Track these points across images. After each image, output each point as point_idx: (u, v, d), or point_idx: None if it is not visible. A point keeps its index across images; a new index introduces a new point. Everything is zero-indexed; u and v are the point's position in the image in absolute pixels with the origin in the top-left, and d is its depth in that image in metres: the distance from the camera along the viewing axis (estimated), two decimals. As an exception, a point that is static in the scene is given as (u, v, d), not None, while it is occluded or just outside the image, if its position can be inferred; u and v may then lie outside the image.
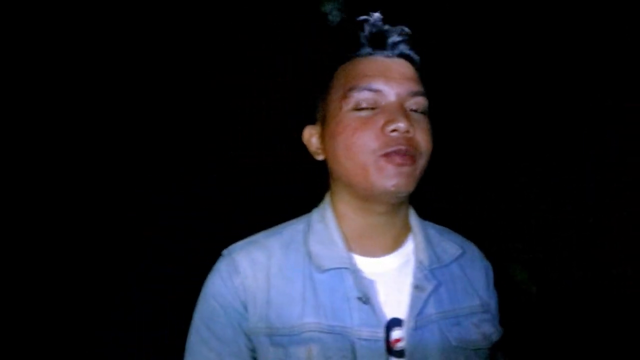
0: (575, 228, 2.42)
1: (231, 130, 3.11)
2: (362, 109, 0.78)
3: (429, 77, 0.87)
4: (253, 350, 0.78)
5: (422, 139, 0.78)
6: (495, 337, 0.84)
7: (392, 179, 0.74)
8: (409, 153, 0.75)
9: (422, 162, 0.78)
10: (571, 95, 2.45)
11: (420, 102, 0.80)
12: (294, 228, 0.86)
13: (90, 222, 2.94)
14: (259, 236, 0.86)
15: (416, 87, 0.80)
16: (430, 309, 0.79)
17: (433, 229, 0.91)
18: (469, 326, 0.81)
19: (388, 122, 0.75)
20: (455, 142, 2.66)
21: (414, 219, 0.88)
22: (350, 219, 0.83)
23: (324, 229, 0.83)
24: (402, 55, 0.83)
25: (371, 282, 0.79)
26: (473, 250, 0.94)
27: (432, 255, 0.84)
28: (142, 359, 2.18)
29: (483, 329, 0.82)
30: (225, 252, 0.84)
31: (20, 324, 2.35)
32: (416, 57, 0.84)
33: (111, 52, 3.04)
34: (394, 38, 0.82)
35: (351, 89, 0.79)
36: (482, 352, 0.81)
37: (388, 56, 0.82)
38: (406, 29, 0.83)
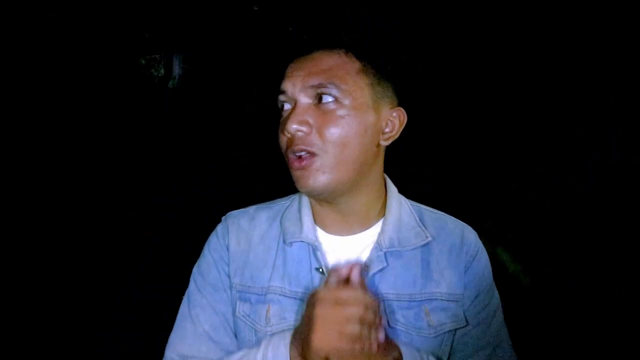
0: (571, 222, 2.42)
1: (231, 131, 3.13)
2: (282, 110, 0.85)
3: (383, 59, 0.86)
4: None
5: (324, 132, 0.78)
6: (446, 328, 0.84)
7: (298, 181, 0.81)
8: (305, 153, 0.79)
9: (328, 155, 0.79)
10: (566, 90, 2.46)
11: (323, 92, 0.80)
12: (282, 204, 0.95)
13: (91, 222, 2.96)
14: (254, 207, 0.96)
15: (318, 79, 0.80)
16: (381, 289, 0.83)
17: (414, 213, 0.92)
18: (419, 311, 0.83)
19: (283, 125, 0.81)
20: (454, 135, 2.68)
21: (391, 202, 0.90)
22: (316, 203, 0.90)
23: (297, 208, 0.91)
24: (320, 49, 0.84)
25: (325, 253, 0.86)
26: (458, 236, 0.92)
27: (394, 238, 0.85)
28: (141, 359, 2.19)
29: (434, 317, 0.83)
30: (223, 217, 0.96)
31: (20, 323, 2.35)
32: (339, 44, 0.84)
33: (112, 56, 3.06)
34: (308, 36, 0.86)
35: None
36: (427, 340, 0.82)
37: (306, 54, 0.84)
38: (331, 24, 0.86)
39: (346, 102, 0.80)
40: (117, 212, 3.04)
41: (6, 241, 2.65)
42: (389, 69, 0.86)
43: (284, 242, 0.88)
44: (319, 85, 0.79)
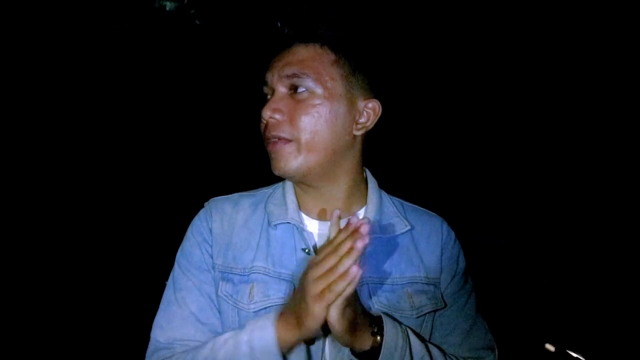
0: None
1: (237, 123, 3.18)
2: (265, 99, 0.91)
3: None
4: None
5: (297, 120, 0.85)
6: (426, 309, 0.90)
7: (272, 163, 0.89)
8: (279, 138, 0.86)
9: (300, 142, 0.86)
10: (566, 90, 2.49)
11: (297, 83, 0.86)
12: (264, 192, 1.01)
13: (96, 218, 3.09)
14: (237, 194, 1.01)
15: (292, 69, 0.86)
16: (364, 273, 0.82)
17: (395, 205, 0.99)
18: (402, 294, 0.89)
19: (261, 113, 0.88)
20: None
21: (372, 192, 0.97)
22: (299, 189, 0.96)
23: (281, 194, 0.97)
24: (298, 42, 0.90)
25: (311, 234, 0.91)
26: (435, 226, 0.99)
27: (375, 226, 0.91)
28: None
29: (416, 299, 0.90)
30: (206, 202, 1.00)
31: (26, 322, 2.46)
32: (313, 38, 0.89)
33: (125, 64, 3.12)
34: (288, 30, 0.92)
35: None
36: (409, 320, 0.88)
37: (287, 47, 0.91)
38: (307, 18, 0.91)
39: (318, 91, 0.86)
40: (121, 208, 3.17)
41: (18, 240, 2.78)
42: (362, 61, 0.90)
43: (269, 224, 0.92)
44: (293, 75, 0.86)
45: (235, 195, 1.01)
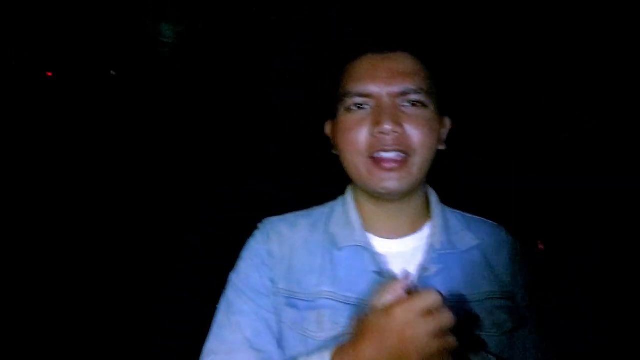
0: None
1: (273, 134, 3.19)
2: (356, 110, 0.83)
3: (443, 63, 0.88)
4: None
5: (416, 135, 0.80)
6: (508, 327, 0.83)
7: (381, 182, 0.80)
8: (398, 155, 0.79)
9: (417, 158, 0.80)
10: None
11: (413, 98, 0.81)
12: (320, 211, 0.95)
13: (134, 225, 3.10)
14: (290, 215, 0.96)
15: (409, 84, 0.81)
16: (441, 291, 0.77)
17: (457, 218, 0.93)
18: (481, 312, 0.82)
19: (374, 124, 0.79)
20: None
21: (435, 207, 0.91)
22: (365, 206, 0.90)
23: (342, 212, 0.91)
24: (397, 49, 0.84)
25: (385, 258, 0.84)
26: (500, 237, 0.93)
27: (445, 242, 0.85)
28: None
29: (496, 316, 0.82)
30: (259, 224, 0.94)
31: (26, 322, 2.45)
32: (415, 49, 0.84)
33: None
34: (385, 33, 0.89)
35: (345, 95, 0.84)
36: (491, 339, 0.80)
37: (380, 53, 0.84)
38: (403, 22, 0.87)
39: (430, 107, 0.82)
40: (160, 216, 3.14)
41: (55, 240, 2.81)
42: (444, 77, 0.88)
43: (335, 247, 0.86)
44: (410, 90, 0.80)
45: (290, 216, 0.95)
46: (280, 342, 0.84)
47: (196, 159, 3.29)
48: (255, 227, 0.96)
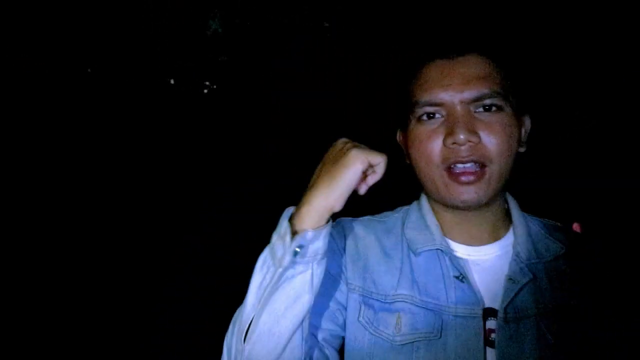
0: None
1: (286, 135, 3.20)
2: (427, 120, 0.80)
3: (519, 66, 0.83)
4: (344, 307, 0.85)
5: (493, 142, 0.75)
6: (604, 339, 0.77)
7: (459, 195, 0.77)
8: (475, 166, 0.76)
9: (495, 167, 0.76)
10: None
11: (488, 103, 0.77)
12: (395, 217, 0.93)
13: (133, 225, 3.09)
14: (365, 218, 0.94)
15: (482, 89, 0.76)
16: (529, 303, 0.76)
17: (539, 225, 0.88)
18: (574, 324, 0.77)
19: (448, 135, 0.76)
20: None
21: (516, 213, 0.86)
22: (441, 213, 0.86)
23: (419, 217, 0.88)
24: (467, 51, 0.80)
25: (467, 262, 0.81)
26: (588, 247, 0.86)
27: (531, 250, 0.81)
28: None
29: (588, 327, 0.76)
30: (334, 222, 0.89)
31: (26, 322, 2.45)
32: (487, 50, 0.80)
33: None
34: (453, 36, 0.85)
35: (415, 104, 0.80)
36: (585, 354, 0.75)
37: (450, 58, 0.80)
38: (474, 25, 0.83)
39: (507, 109, 0.78)
40: (160, 216, 3.14)
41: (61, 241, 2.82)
42: (521, 76, 0.83)
43: (412, 251, 0.84)
44: (484, 96, 0.76)
45: (364, 219, 0.94)
46: (350, 337, 0.82)
47: (196, 159, 3.30)
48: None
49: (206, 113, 3.35)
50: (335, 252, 0.87)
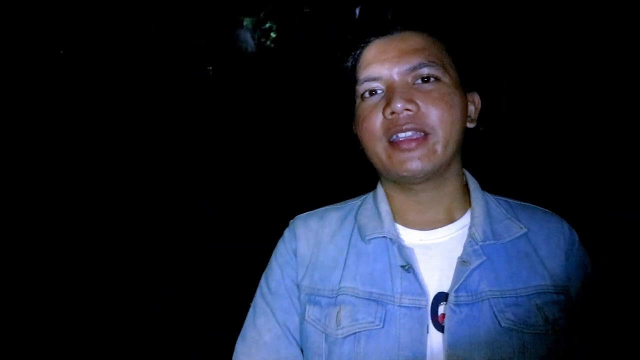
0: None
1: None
2: (369, 96, 0.80)
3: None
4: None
5: (433, 110, 0.75)
6: (563, 323, 0.75)
7: (403, 164, 0.75)
8: (415, 134, 0.75)
9: (438, 136, 0.75)
10: None
11: (424, 73, 0.76)
12: (352, 204, 0.92)
13: (127, 225, 3.10)
14: (322, 209, 0.93)
15: (418, 59, 0.76)
16: (482, 286, 0.75)
17: (501, 206, 0.86)
18: (530, 307, 0.75)
19: (386, 106, 0.76)
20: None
21: (475, 193, 0.85)
22: (395, 197, 0.86)
23: (373, 204, 0.87)
24: (405, 28, 0.80)
25: (415, 250, 0.79)
26: (553, 225, 0.84)
27: (487, 232, 0.79)
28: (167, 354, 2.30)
29: (547, 311, 0.75)
30: (290, 221, 0.93)
31: (26, 322, 2.46)
32: (424, 26, 0.81)
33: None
34: (388, 15, 0.83)
35: (356, 83, 0.81)
36: (543, 338, 0.73)
37: (387, 35, 0.80)
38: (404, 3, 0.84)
39: (446, 80, 0.77)
40: (160, 216, 3.14)
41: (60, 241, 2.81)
42: (465, 51, 0.83)
43: (362, 239, 0.83)
44: (420, 65, 0.76)
45: (321, 210, 0.93)
46: (303, 340, 0.82)
47: (196, 158, 3.30)
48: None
49: (207, 113, 3.36)
50: (285, 264, 0.87)
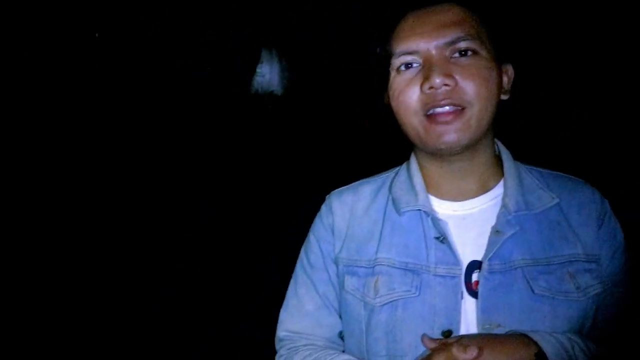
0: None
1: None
2: (405, 69, 0.80)
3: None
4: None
5: (470, 85, 0.75)
6: (594, 291, 0.77)
7: (439, 137, 0.77)
8: (453, 108, 0.75)
9: (474, 109, 0.76)
10: None
11: (462, 47, 0.76)
12: (386, 176, 0.95)
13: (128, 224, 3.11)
14: (356, 183, 0.97)
15: (455, 33, 0.76)
16: (515, 255, 0.78)
17: (534, 176, 0.87)
18: (562, 275, 0.77)
19: (424, 81, 0.76)
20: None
21: (507, 163, 0.86)
22: (429, 168, 0.87)
23: (406, 177, 0.89)
24: (442, 2, 0.80)
25: (446, 223, 0.82)
26: (585, 195, 0.86)
27: (520, 202, 0.80)
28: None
29: (580, 279, 0.77)
30: (327, 196, 0.97)
31: (26, 322, 2.46)
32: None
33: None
34: None
35: (392, 56, 0.81)
36: (574, 304, 0.76)
37: (424, 7, 0.81)
38: None
39: (483, 53, 0.78)
40: (160, 216, 3.12)
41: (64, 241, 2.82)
42: (499, 24, 0.83)
43: (396, 211, 0.85)
44: (458, 39, 0.76)
45: (355, 184, 0.96)
46: (343, 309, 0.87)
47: (196, 158, 3.30)
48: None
49: (205, 113, 3.37)
50: (322, 238, 0.92)
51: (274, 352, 0.94)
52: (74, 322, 2.50)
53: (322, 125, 3.53)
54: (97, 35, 2.87)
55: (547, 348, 0.68)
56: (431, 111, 0.77)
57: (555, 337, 0.71)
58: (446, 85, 0.75)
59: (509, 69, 0.86)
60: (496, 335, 0.72)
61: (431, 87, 0.75)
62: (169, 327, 2.42)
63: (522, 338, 0.71)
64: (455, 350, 0.67)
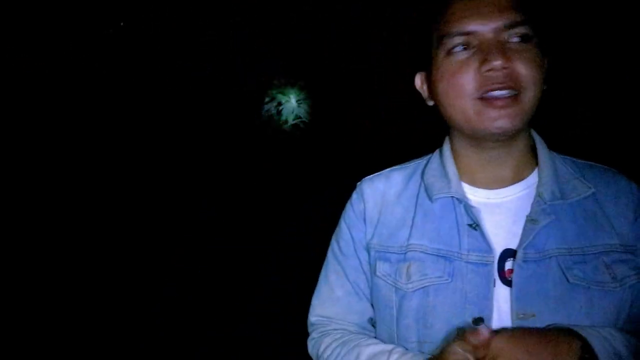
0: None
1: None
2: (459, 51, 0.78)
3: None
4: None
5: (526, 71, 0.74)
6: (630, 282, 0.75)
7: (494, 122, 0.75)
8: (510, 92, 0.74)
9: (529, 95, 0.75)
10: None
11: (520, 31, 0.75)
12: (417, 163, 0.94)
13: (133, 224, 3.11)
14: (387, 170, 0.96)
15: (514, 16, 0.75)
16: (550, 244, 0.77)
17: (567, 165, 0.86)
18: (598, 265, 0.76)
19: (483, 62, 0.74)
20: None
21: (542, 152, 0.85)
22: (464, 155, 0.86)
23: (439, 163, 0.89)
24: None
25: (479, 210, 0.81)
26: (620, 185, 0.84)
27: (555, 191, 0.80)
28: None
29: (616, 270, 0.75)
30: (358, 183, 0.96)
31: (26, 322, 2.48)
32: None
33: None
34: None
35: (444, 36, 0.78)
36: (610, 294, 0.74)
37: None
38: None
39: (536, 40, 0.77)
40: (160, 216, 3.15)
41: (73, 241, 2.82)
42: (541, 15, 0.82)
43: (429, 198, 0.85)
44: (516, 23, 0.75)
45: (386, 171, 0.95)
46: (375, 294, 0.87)
47: (196, 158, 3.30)
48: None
49: (205, 112, 3.36)
50: (353, 225, 0.92)
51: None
52: (74, 321, 2.50)
53: (322, 125, 3.54)
54: (122, 24, 2.84)
55: (595, 343, 0.67)
56: (488, 94, 0.75)
57: (598, 331, 0.69)
58: (505, 68, 0.73)
59: (547, 61, 0.84)
60: (538, 329, 0.71)
61: (490, 70, 0.74)
62: (169, 327, 2.41)
63: (563, 332, 0.69)
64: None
